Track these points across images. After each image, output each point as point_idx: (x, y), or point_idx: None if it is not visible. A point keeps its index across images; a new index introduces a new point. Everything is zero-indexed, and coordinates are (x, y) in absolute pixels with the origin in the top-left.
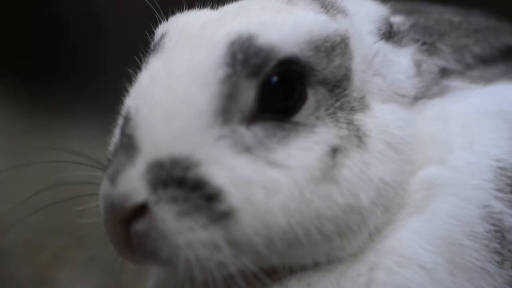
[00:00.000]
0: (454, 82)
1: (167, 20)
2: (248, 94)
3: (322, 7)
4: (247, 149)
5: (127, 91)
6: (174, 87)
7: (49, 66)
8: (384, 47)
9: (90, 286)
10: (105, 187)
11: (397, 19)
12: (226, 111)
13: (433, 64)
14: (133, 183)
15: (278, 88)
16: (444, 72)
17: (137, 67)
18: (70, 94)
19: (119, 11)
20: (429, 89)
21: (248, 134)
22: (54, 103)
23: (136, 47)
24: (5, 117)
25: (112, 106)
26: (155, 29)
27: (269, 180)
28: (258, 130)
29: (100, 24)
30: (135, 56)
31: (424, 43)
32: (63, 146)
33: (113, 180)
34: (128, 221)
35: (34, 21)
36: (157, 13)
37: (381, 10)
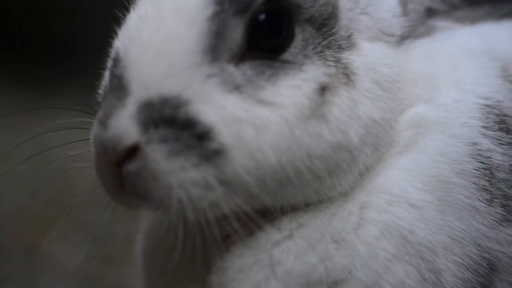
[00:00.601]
0: (440, 22)
1: None
2: (236, 32)
3: None
4: (236, 88)
5: (116, 32)
6: (162, 26)
7: (30, 44)
8: None
9: (81, 255)
10: (96, 131)
11: None
12: (214, 49)
13: (418, 3)
14: (124, 125)
15: (266, 26)
16: (430, 12)
17: (125, 10)
18: (52, 69)
19: None
20: (415, 29)
21: (237, 72)
22: (36, 79)
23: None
24: None
25: (93, 78)
26: None
27: (258, 118)
28: (246, 69)
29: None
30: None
31: None
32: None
33: (104, 123)
34: (120, 163)
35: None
36: None
37: None
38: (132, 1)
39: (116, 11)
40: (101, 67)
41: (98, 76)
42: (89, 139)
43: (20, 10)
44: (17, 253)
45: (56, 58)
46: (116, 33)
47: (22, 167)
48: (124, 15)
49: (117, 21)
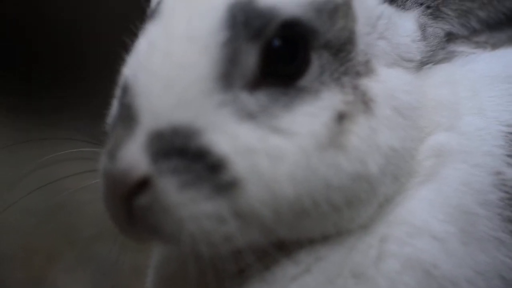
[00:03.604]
0: (460, 47)
1: None
2: (250, 58)
3: None
4: (251, 116)
5: (123, 61)
6: (173, 53)
7: (33, 70)
8: (388, 9)
9: (84, 287)
10: (104, 162)
11: None
12: (227, 76)
13: (438, 28)
14: (133, 156)
15: (281, 52)
16: (450, 37)
17: (133, 36)
18: (56, 100)
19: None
20: (435, 54)
21: (251, 100)
22: (40, 109)
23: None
24: None
25: (100, 109)
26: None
27: (274, 147)
28: (261, 96)
29: (86, 24)
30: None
31: (428, 7)
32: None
33: (112, 155)
34: (130, 196)
35: (17, 24)
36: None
37: None
38: (141, 27)
39: (124, 38)
40: (107, 96)
41: (105, 106)
42: (95, 170)
43: (23, 39)
44: (23, 286)
45: (61, 88)
46: (124, 61)
47: (26, 199)
48: (133, 42)
49: (125, 48)
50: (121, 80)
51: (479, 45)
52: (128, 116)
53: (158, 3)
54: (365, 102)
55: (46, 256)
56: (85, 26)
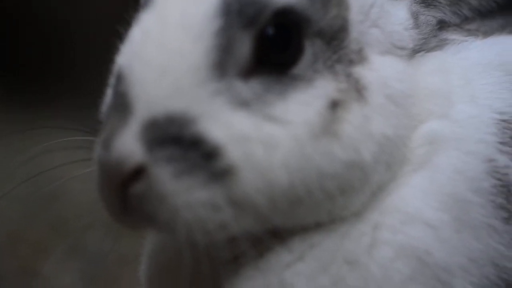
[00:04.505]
0: (452, 35)
1: None
2: (244, 46)
3: None
4: (245, 104)
5: (117, 50)
6: (167, 41)
7: (22, 61)
8: None
9: (73, 276)
10: (99, 152)
11: None
12: (221, 64)
13: (430, 16)
14: (128, 145)
15: (275, 40)
16: (442, 25)
17: (127, 25)
18: (46, 91)
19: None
20: (427, 41)
21: (245, 88)
22: (29, 99)
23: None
24: None
25: (89, 100)
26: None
27: (268, 135)
28: (255, 84)
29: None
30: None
31: None
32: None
33: (107, 144)
34: (125, 185)
35: (6, 17)
36: None
37: None
38: (134, 15)
39: (116, 26)
40: (96, 87)
41: (94, 96)
42: (85, 159)
43: (13, 32)
44: (13, 276)
45: (50, 79)
46: (118, 49)
47: (18, 189)
48: (126, 30)
49: (118, 36)
50: (115, 68)
51: (471, 33)
52: (123, 105)
53: None
54: (358, 90)
55: (35, 246)
56: (74, 18)
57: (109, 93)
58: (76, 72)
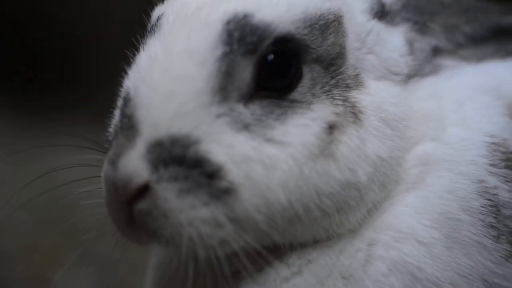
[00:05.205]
0: (446, 61)
1: (163, 2)
2: (245, 72)
3: None
4: (246, 127)
5: (125, 73)
6: (172, 67)
7: (34, 70)
8: (377, 25)
9: (86, 285)
10: (106, 170)
11: None
12: (224, 89)
13: (425, 43)
14: (134, 164)
15: (275, 66)
16: (436, 51)
17: (135, 49)
18: (57, 98)
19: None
20: (422, 67)
21: (246, 111)
22: (42, 107)
23: (123, 51)
24: None
25: (99, 107)
26: (151, 12)
27: (267, 156)
28: (255, 108)
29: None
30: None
31: (416, 23)
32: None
33: (114, 163)
34: (130, 202)
35: (18, 24)
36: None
37: None
38: (142, 40)
39: (131, 36)
40: (106, 95)
41: (104, 105)
42: (98, 176)
43: (24, 39)
44: (26, 285)
45: (61, 87)
46: (126, 72)
47: (31, 202)
48: (134, 55)
49: (126, 60)
50: (123, 91)
51: (464, 58)
52: (129, 126)
53: (158, 19)
54: (355, 114)
55: (48, 255)
56: (85, 26)
57: (116, 113)
58: (91, 81)
